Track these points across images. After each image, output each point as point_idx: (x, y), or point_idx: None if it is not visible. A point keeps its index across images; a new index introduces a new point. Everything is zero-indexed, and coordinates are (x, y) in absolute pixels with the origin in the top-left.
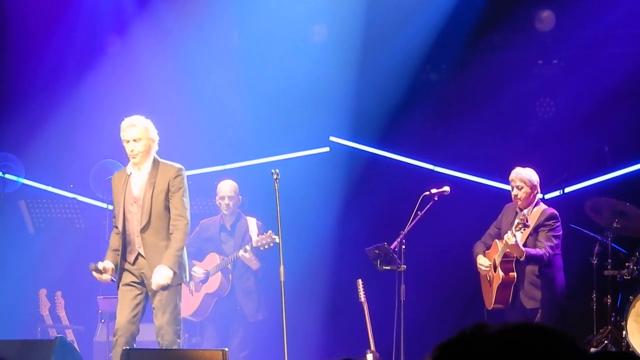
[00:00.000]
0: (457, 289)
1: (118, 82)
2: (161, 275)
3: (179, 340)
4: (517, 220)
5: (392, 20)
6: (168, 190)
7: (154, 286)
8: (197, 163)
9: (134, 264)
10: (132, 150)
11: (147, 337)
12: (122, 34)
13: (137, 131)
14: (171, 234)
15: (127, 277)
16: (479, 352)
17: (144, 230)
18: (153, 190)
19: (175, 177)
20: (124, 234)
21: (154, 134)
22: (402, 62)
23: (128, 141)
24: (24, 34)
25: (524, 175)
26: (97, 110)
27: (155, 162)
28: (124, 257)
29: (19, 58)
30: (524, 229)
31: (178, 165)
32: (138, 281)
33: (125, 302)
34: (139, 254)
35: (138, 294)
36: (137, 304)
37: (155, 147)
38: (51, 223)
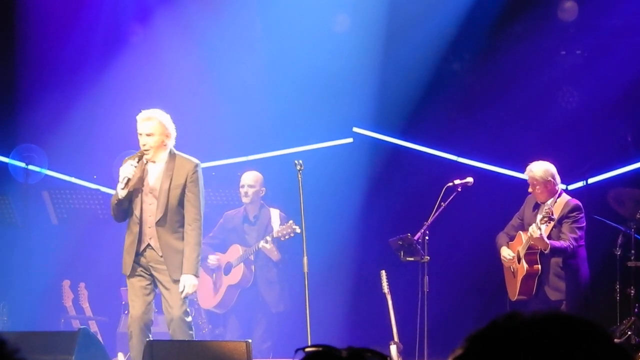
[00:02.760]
0: (481, 280)
1: (140, 72)
2: (189, 285)
3: (190, 332)
4: (541, 215)
5: (415, 10)
6: (185, 186)
7: (182, 295)
8: (220, 154)
9: (141, 254)
10: (144, 145)
11: (161, 329)
12: (144, 22)
13: (151, 126)
14: (186, 234)
15: (135, 269)
16: (511, 342)
17: (159, 223)
18: (170, 184)
19: (193, 172)
20: (139, 221)
21: (170, 128)
22: (425, 52)
23: (141, 134)
24: (46, 23)
25: (535, 173)
26: (119, 100)
27: (172, 155)
28: (136, 246)
29: (41, 48)
30: (549, 222)
31: (195, 160)
32: (147, 272)
33: (136, 294)
34: (148, 244)
35: (148, 284)
36: (148, 294)
37: (172, 142)
38: (74, 214)
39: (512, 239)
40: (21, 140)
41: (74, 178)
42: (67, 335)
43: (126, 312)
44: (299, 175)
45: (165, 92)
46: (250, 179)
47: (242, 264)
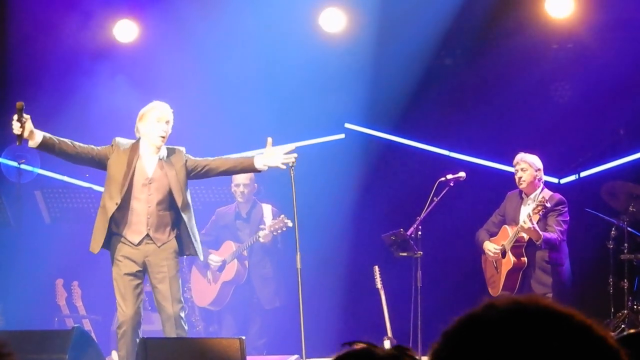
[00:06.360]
0: (474, 275)
1: (133, 69)
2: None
3: (186, 328)
4: (534, 204)
5: (408, 6)
6: (183, 172)
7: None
8: (212, 151)
9: (138, 245)
10: (165, 132)
11: (155, 327)
12: (136, 19)
13: (172, 117)
14: (183, 216)
15: (128, 266)
16: (489, 335)
17: (159, 210)
18: (174, 174)
19: (186, 159)
20: (129, 212)
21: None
22: (417, 47)
23: (168, 122)
24: (39, 18)
25: (529, 158)
26: (112, 98)
27: (163, 147)
28: (126, 237)
29: (34, 46)
30: (544, 210)
31: (182, 147)
32: (140, 269)
33: (129, 294)
34: (147, 235)
35: (139, 283)
36: (139, 294)
37: None
38: (67, 213)
39: (492, 235)
40: (13, 140)
41: (66, 177)
42: (61, 334)
43: None
44: (291, 171)
45: (157, 89)
46: (244, 177)
47: (235, 260)
